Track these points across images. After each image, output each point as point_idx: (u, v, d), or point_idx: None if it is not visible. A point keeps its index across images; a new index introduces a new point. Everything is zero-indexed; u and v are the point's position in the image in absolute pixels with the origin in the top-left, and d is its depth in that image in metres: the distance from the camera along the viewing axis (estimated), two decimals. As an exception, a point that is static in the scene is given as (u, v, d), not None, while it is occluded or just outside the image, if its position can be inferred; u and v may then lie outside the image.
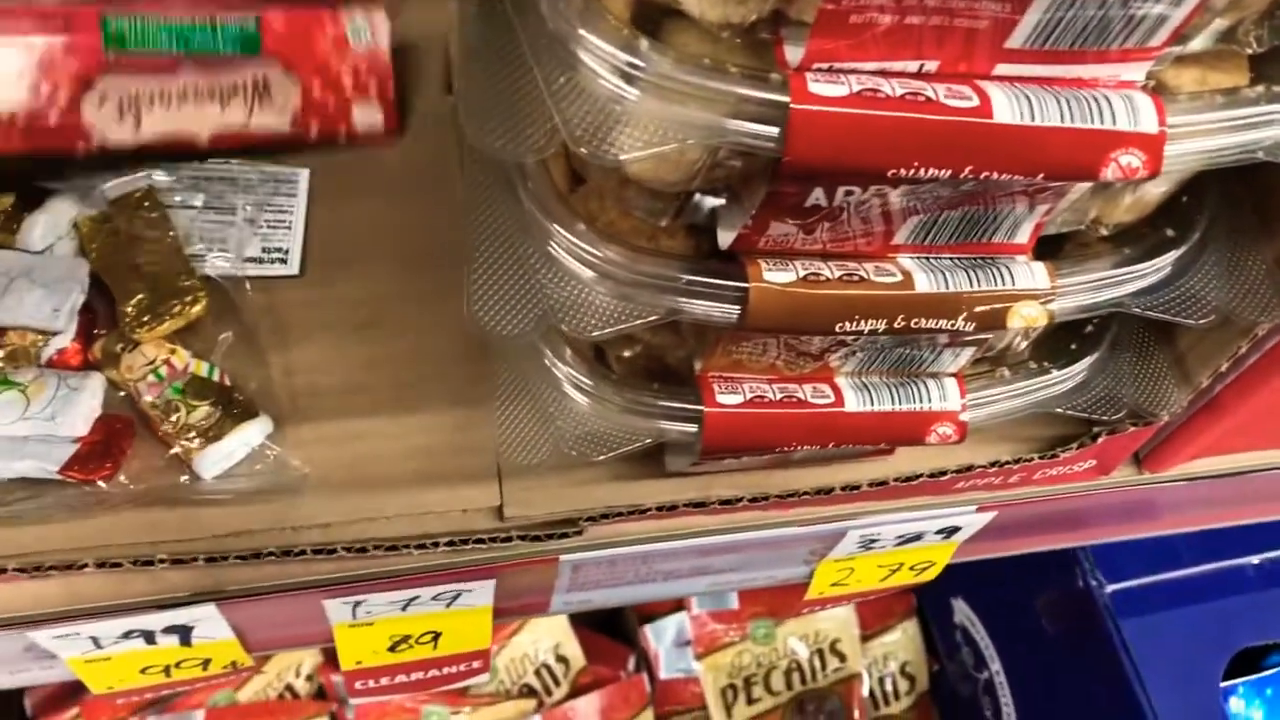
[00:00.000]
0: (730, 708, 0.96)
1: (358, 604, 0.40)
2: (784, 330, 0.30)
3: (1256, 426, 0.41)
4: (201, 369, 0.39)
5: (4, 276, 0.39)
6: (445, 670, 0.47)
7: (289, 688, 0.92)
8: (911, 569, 0.47)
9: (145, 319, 0.39)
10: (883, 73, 0.24)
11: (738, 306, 0.29)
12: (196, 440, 0.38)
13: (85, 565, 0.36)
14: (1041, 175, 0.25)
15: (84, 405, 0.38)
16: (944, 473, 0.40)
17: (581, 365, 0.35)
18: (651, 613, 0.97)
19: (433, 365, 0.41)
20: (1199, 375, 0.36)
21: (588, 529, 0.39)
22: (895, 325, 0.30)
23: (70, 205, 0.41)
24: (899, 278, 0.30)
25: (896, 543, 0.44)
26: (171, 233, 0.41)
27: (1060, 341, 0.37)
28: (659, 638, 0.96)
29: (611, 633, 1.01)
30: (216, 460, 0.38)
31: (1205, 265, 0.32)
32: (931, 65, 0.25)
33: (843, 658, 0.98)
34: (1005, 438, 0.42)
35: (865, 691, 0.98)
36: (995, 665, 0.92)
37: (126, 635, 0.39)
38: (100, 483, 0.37)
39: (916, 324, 0.30)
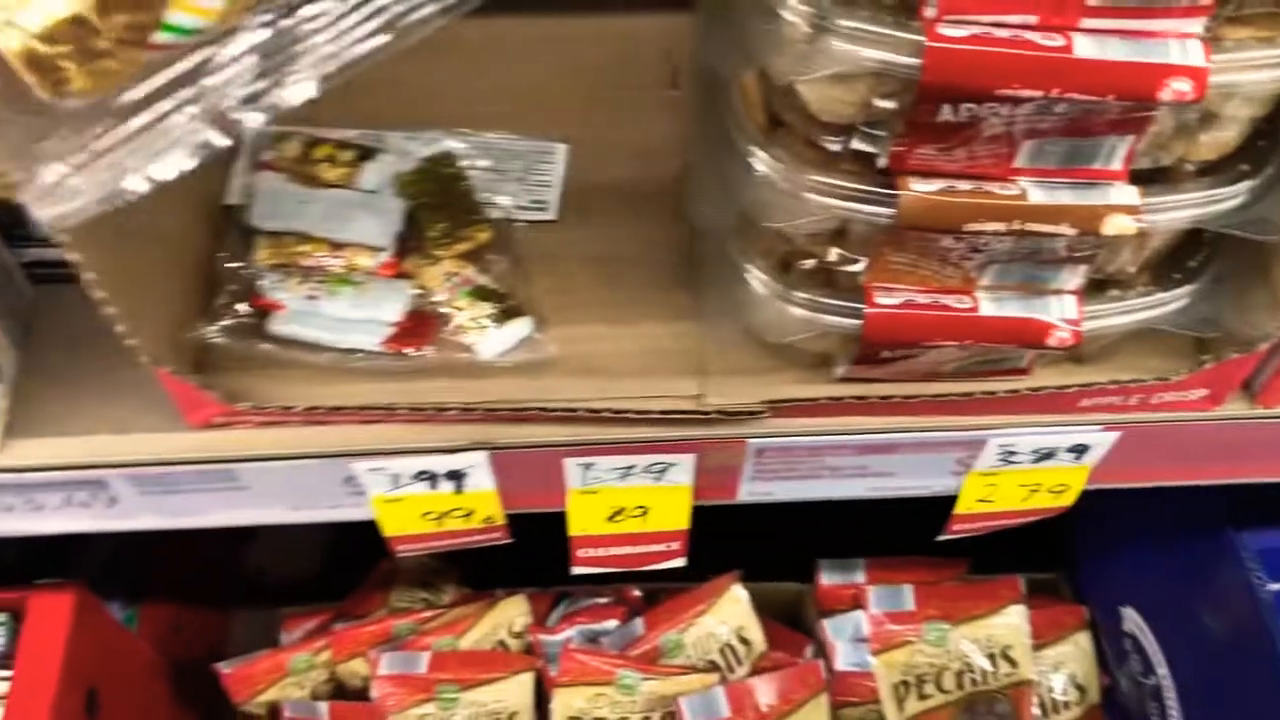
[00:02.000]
0: (902, 702, 1.02)
1: (588, 466, 0.52)
2: (926, 228, 0.40)
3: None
4: (483, 279, 0.52)
5: (346, 207, 0.53)
6: (651, 548, 0.58)
7: (501, 642, 1.05)
8: (1050, 491, 0.55)
9: (445, 241, 0.53)
10: (996, 24, 0.35)
11: (892, 209, 0.40)
12: (478, 330, 0.51)
13: (398, 411, 0.49)
14: (1112, 95, 0.34)
15: (398, 300, 0.51)
16: (1069, 386, 0.49)
17: (771, 272, 0.46)
18: (831, 609, 1.04)
19: (656, 289, 0.53)
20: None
21: (769, 416, 0.50)
22: (1011, 227, 0.39)
23: (393, 160, 0.55)
24: (1016, 192, 0.39)
25: (1033, 458, 0.53)
26: (464, 183, 0.55)
27: (1167, 269, 0.46)
28: (838, 632, 1.02)
29: (792, 626, 1.08)
30: (492, 345, 0.51)
31: (1277, 194, 0.40)
32: (1032, 19, 0.35)
33: (1014, 663, 1.02)
34: (1124, 366, 0.50)
35: (1035, 698, 1.02)
36: (1162, 670, 0.96)
37: (417, 476, 0.52)
38: (409, 352, 0.50)
39: (1028, 228, 0.39)
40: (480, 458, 0.51)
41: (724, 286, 0.48)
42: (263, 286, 0.51)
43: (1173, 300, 0.45)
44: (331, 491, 0.53)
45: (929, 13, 0.35)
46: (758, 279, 0.46)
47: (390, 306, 0.51)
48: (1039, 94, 0.34)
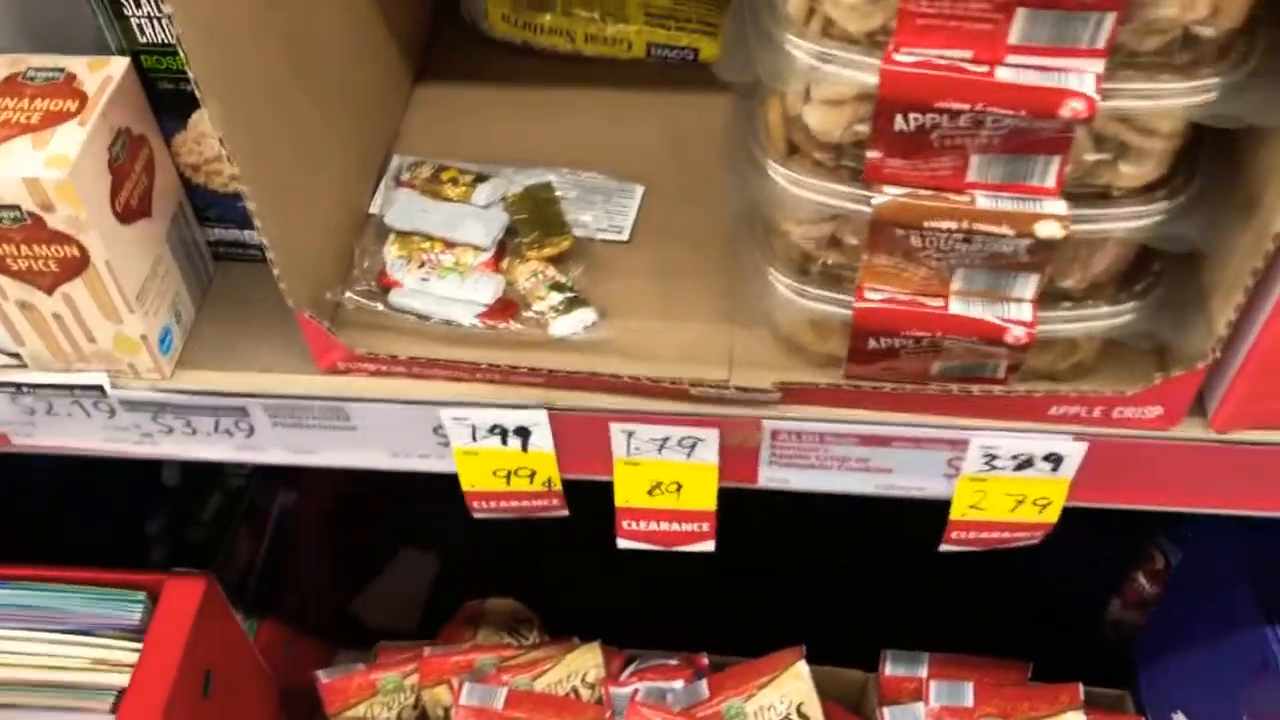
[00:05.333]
0: None
1: (630, 435, 0.62)
2: (896, 224, 0.51)
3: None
4: (561, 278, 0.65)
5: (461, 216, 0.67)
6: (683, 526, 0.67)
7: (574, 689, 1.14)
8: (1035, 504, 0.63)
9: (534, 247, 0.66)
10: (939, 56, 0.46)
11: (869, 207, 0.51)
12: (552, 314, 0.63)
13: (480, 368, 0.61)
14: (1023, 110, 0.45)
15: (492, 287, 0.64)
16: (1036, 392, 0.58)
17: (788, 274, 0.57)
18: (893, 700, 1.09)
19: (701, 298, 0.65)
20: (1221, 317, 0.53)
21: (781, 398, 0.60)
22: (962, 226, 0.50)
23: (503, 184, 0.69)
24: (967, 199, 0.50)
25: (1014, 465, 0.61)
26: (556, 206, 0.68)
27: (1116, 288, 0.55)
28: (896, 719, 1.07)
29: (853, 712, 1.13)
30: (561, 326, 0.63)
31: (1192, 215, 0.50)
32: (968, 54, 0.46)
33: (1067, 769, 1.05)
34: (1093, 385, 0.59)
35: None
36: (1207, 770, 0.98)
37: (491, 430, 0.63)
38: (496, 325, 0.63)
39: (976, 227, 0.50)
40: (542, 416, 0.62)
41: (752, 288, 0.59)
42: (389, 268, 0.65)
43: (1119, 314, 0.54)
44: (423, 440, 0.65)
45: (890, 46, 0.47)
46: (778, 279, 0.58)
47: (485, 291, 0.64)
48: (967, 107, 0.46)
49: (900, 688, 1.12)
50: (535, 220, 0.67)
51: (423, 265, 0.64)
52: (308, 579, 1.26)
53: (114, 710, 0.88)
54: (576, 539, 1.47)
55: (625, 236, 0.68)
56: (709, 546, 0.69)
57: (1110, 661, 1.15)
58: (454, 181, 0.68)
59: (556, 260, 0.66)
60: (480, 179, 0.68)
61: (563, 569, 1.29)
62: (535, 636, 1.18)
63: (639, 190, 0.70)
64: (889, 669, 1.12)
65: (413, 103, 0.76)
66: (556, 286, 0.64)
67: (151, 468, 1.19)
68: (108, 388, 0.63)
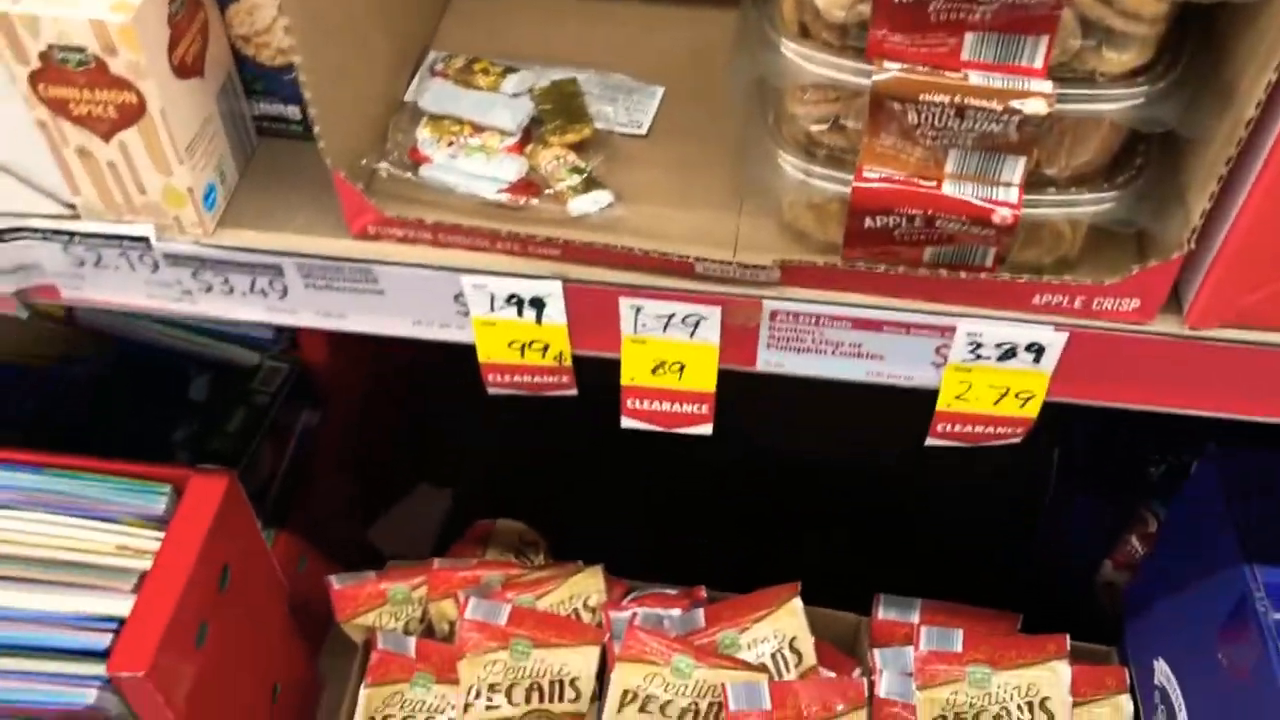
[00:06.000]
0: None
1: (639, 310, 0.66)
2: (894, 97, 0.55)
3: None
4: (580, 163, 0.69)
5: (490, 103, 0.71)
6: (684, 407, 0.71)
7: (576, 612, 1.17)
8: (1017, 396, 0.67)
9: (557, 133, 0.70)
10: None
11: (870, 80, 0.55)
12: (570, 194, 0.67)
13: (500, 237, 0.65)
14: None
15: (515, 167, 0.68)
16: (1020, 278, 0.61)
17: (794, 155, 0.61)
18: (884, 643, 1.12)
19: (713, 187, 0.69)
20: (1196, 207, 0.56)
21: (780, 276, 0.64)
22: (954, 100, 0.54)
23: (531, 77, 0.73)
24: (960, 75, 0.54)
25: (999, 355, 0.65)
26: (580, 99, 0.72)
27: (1100, 177, 0.59)
28: (886, 662, 1.10)
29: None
30: (578, 205, 0.67)
31: (1169, 99, 0.53)
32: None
33: (1050, 715, 1.07)
34: (1070, 274, 0.62)
35: None
36: (1181, 714, 1.00)
37: (509, 300, 0.67)
38: (518, 200, 0.67)
39: (968, 102, 0.54)
40: (557, 288, 0.66)
41: (760, 170, 0.63)
42: (420, 145, 0.69)
43: (1100, 202, 0.58)
44: (444, 308, 0.69)
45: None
46: (785, 160, 0.62)
47: (509, 170, 0.68)
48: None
49: (892, 632, 1.15)
50: (559, 110, 0.71)
51: (451, 145, 0.69)
52: (325, 500, 1.31)
53: (135, 591, 0.93)
54: (587, 478, 1.52)
55: (644, 131, 0.72)
56: (707, 429, 0.72)
57: (1101, 624, 1.17)
58: (485, 72, 0.73)
59: (578, 148, 0.70)
60: (510, 70, 0.73)
61: (574, 507, 1.33)
62: (541, 560, 1.22)
63: (659, 91, 0.74)
64: (881, 613, 1.15)
65: (451, 5, 0.81)
66: (576, 170, 0.68)
67: (180, 380, 1.24)
68: (153, 240, 0.67)
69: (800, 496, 1.49)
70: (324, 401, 1.29)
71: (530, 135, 0.71)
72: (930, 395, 0.69)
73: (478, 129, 0.70)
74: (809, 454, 1.50)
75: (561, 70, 0.74)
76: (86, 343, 1.28)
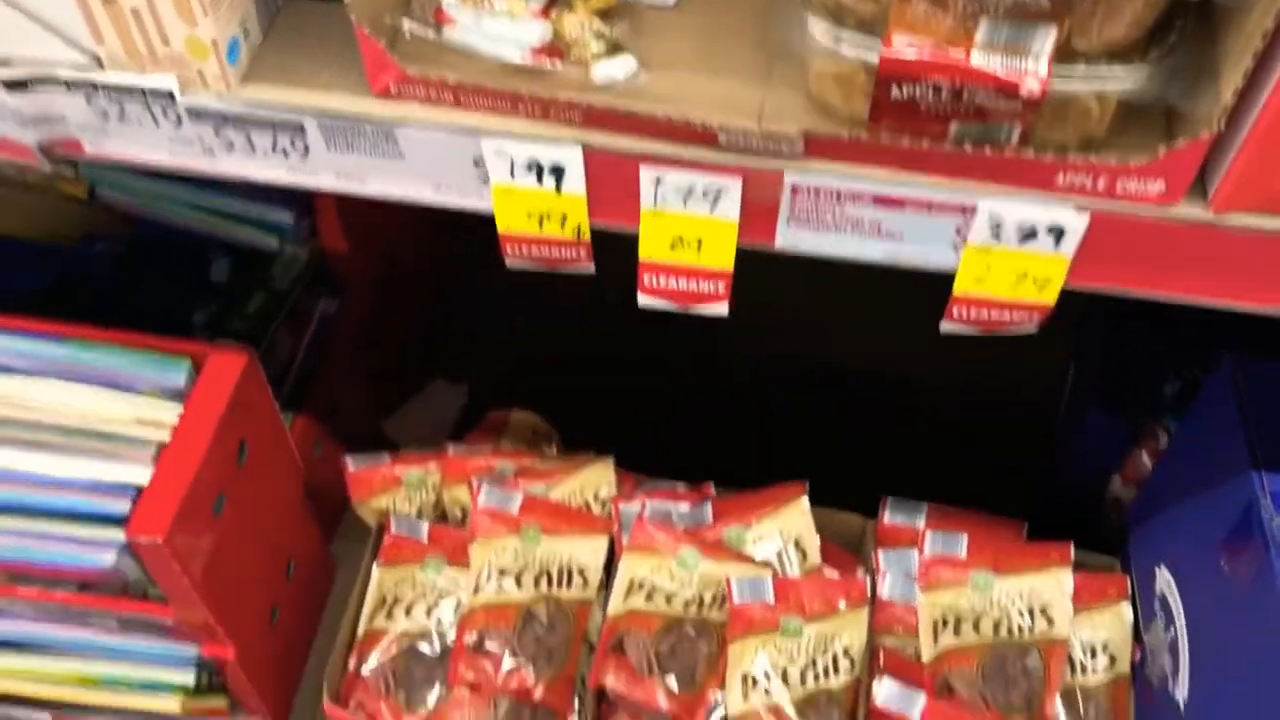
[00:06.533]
0: (938, 636, 1.09)
1: (659, 180, 0.66)
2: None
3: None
4: (605, 30, 0.68)
5: (518, -31, 0.70)
6: (701, 285, 0.71)
7: (586, 503, 1.19)
8: (1035, 282, 0.67)
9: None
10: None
11: (900, -58, 0.54)
12: (594, 59, 0.67)
13: (522, 98, 0.65)
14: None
15: (540, 31, 0.68)
16: (1045, 156, 0.61)
17: (825, 19, 0.60)
18: (890, 546, 1.13)
19: (741, 52, 0.68)
20: (1228, 86, 0.55)
21: (803, 147, 0.63)
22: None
23: (560, -56, 0.72)
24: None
25: (1019, 236, 0.65)
26: (609, -33, 0.71)
27: (1130, 53, 0.58)
28: (889, 563, 1.11)
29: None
30: (605, 70, 0.67)
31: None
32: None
33: (1051, 621, 1.08)
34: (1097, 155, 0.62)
35: (1067, 657, 1.07)
36: (1180, 620, 1.01)
37: (529, 167, 0.67)
38: (542, 62, 0.66)
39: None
40: (577, 155, 0.66)
41: (790, 35, 0.62)
42: (444, 4, 0.68)
43: (1131, 76, 0.57)
44: (464, 174, 0.69)
45: None
46: (815, 26, 0.61)
47: (533, 33, 0.68)
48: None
49: (897, 535, 1.16)
50: (587, -24, 0.70)
51: (476, 5, 0.68)
52: (341, 387, 1.32)
53: (154, 461, 0.94)
54: (600, 373, 1.53)
55: (673, 4, 0.71)
56: (723, 309, 0.72)
57: (1109, 539, 1.18)
58: (510, -62, 0.72)
59: (604, 14, 0.69)
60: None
61: (586, 402, 1.34)
62: (554, 451, 1.23)
63: (691, -36, 0.73)
64: (888, 516, 1.16)
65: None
66: (600, 36, 0.68)
67: (201, 261, 1.25)
68: (177, 93, 0.67)
69: (811, 399, 1.50)
70: (342, 290, 1.30)
71: (557, 2, 0.70)
72: (947, 286, 0.69)
73: (506, -5, 0.69)
74: (821, 357, 1.51)
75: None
76: (108, 222, 1.29)
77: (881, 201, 0.65)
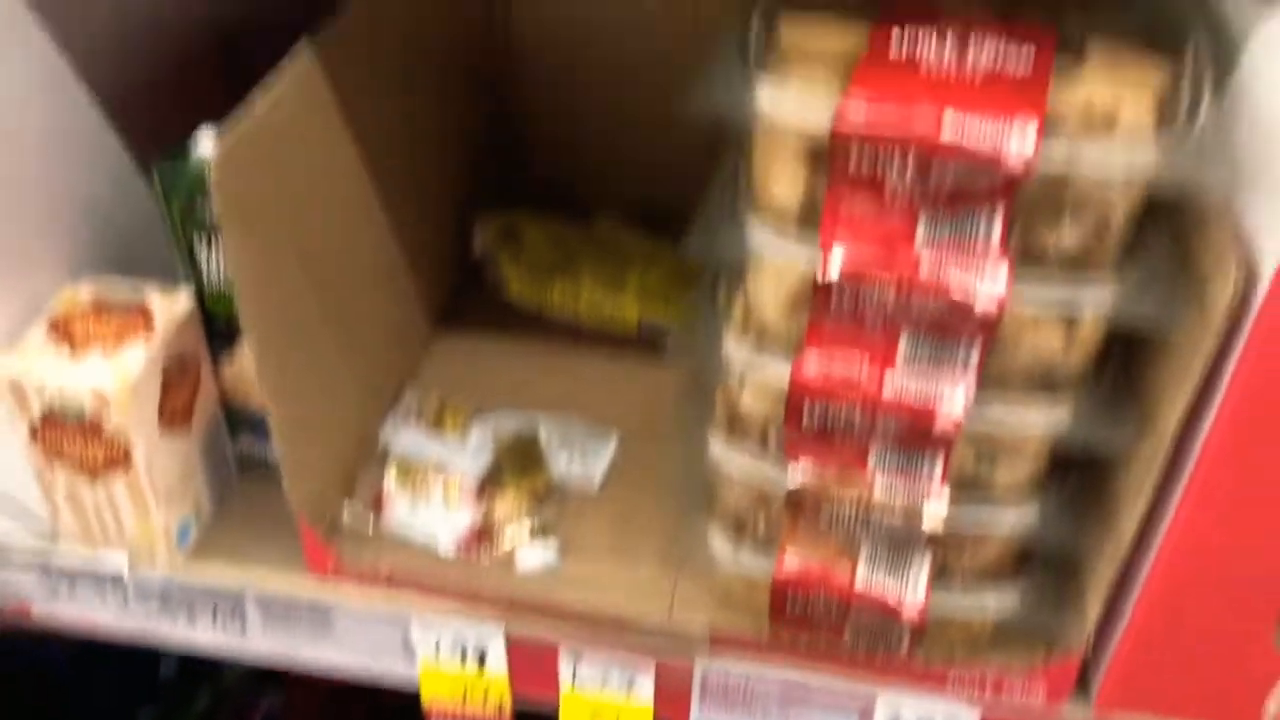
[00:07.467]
0: None
1: (576, 664, 0.70)
2: (808, 499, 0.60)
3: (1168, 678, 0.62)
4: (533, 514, 0.74)
5: (455, 450, 0.77)
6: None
7: None
8: (939, 776, 0.69)
9: (514, 484, 0.75)
10: (840, 363, 0.57)
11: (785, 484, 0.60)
12: (521, 547, 0.72)
13: (449, 590, 0.69)
14: (906, 417, 0.55)
15: (470, 517, 0.73)
16: (933, 662, 0.65)
17: (725, 533, 0.66)
18: None
19: (656, 541, 0.73)
20: (1092, 611, 0.61)
21: (710, 643, 0.67)
22: (861, 504, 0.59)
23: (495, 424, 0.79)
24: (869, 478, 0.60)
25: (918, 730, 0.68)
26: (538, 448, 0.78)
27: (1002, 575, 0.63)
28: None
29: None
30: (527, 559, 0.72)
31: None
32: (864, 362, 0.57)
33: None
34: (985, 654, 0.66)
35: None
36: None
37: (453, 646, 0.71)
38: (474, 554, 0.71)
39: (873, 504, 0.59)
40: (499, 638, 0.70)
41: (695, 543, 0.68)
42: (384, 491, 0.74)
43: (1002, 601, 0.62)
44: (394, 652, 0.72)
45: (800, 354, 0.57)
46: (716, 538, 0.66)
47: (464, 520, 0.73)
48: (858, 408, 0.56)
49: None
50: (518, 460, 0.77)
51: (414, 491, 0.74)
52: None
53: None
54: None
55: (596, 483, 0.78)
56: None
57: None
58: (453, 418, 0.79)
59: (532, 497, 0.75)
60: (475, 418, 0.79)
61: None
62: None
63: (614, 440, 0.80)
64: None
65: (435, 348, 0.89)
66: (528, 520, 0.73)
67: (150, 660, 1.26)
68: (125, 575, 0.72)
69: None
70: (286, 685, 1.30)
71: (490, 482, 0.76)
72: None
73: (440, 474, 0.75)
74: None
75: (525, 416, 0.80)
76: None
77: (788, 693, 0.69)
